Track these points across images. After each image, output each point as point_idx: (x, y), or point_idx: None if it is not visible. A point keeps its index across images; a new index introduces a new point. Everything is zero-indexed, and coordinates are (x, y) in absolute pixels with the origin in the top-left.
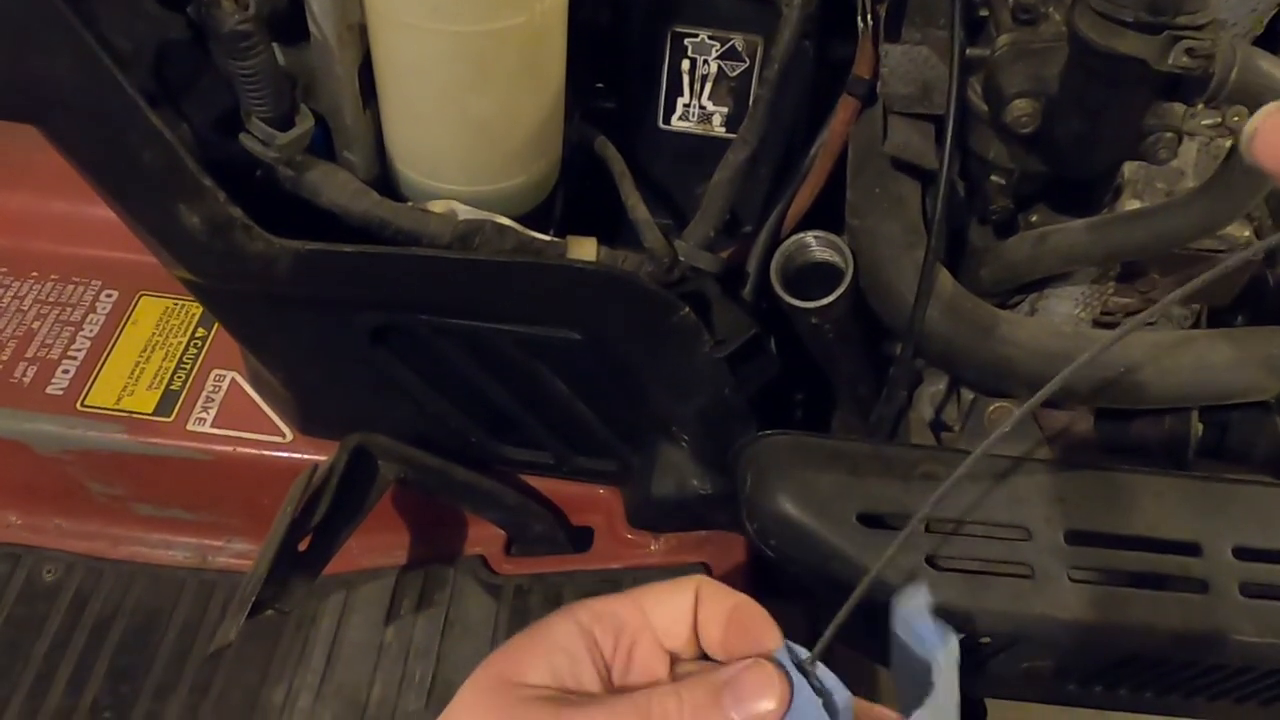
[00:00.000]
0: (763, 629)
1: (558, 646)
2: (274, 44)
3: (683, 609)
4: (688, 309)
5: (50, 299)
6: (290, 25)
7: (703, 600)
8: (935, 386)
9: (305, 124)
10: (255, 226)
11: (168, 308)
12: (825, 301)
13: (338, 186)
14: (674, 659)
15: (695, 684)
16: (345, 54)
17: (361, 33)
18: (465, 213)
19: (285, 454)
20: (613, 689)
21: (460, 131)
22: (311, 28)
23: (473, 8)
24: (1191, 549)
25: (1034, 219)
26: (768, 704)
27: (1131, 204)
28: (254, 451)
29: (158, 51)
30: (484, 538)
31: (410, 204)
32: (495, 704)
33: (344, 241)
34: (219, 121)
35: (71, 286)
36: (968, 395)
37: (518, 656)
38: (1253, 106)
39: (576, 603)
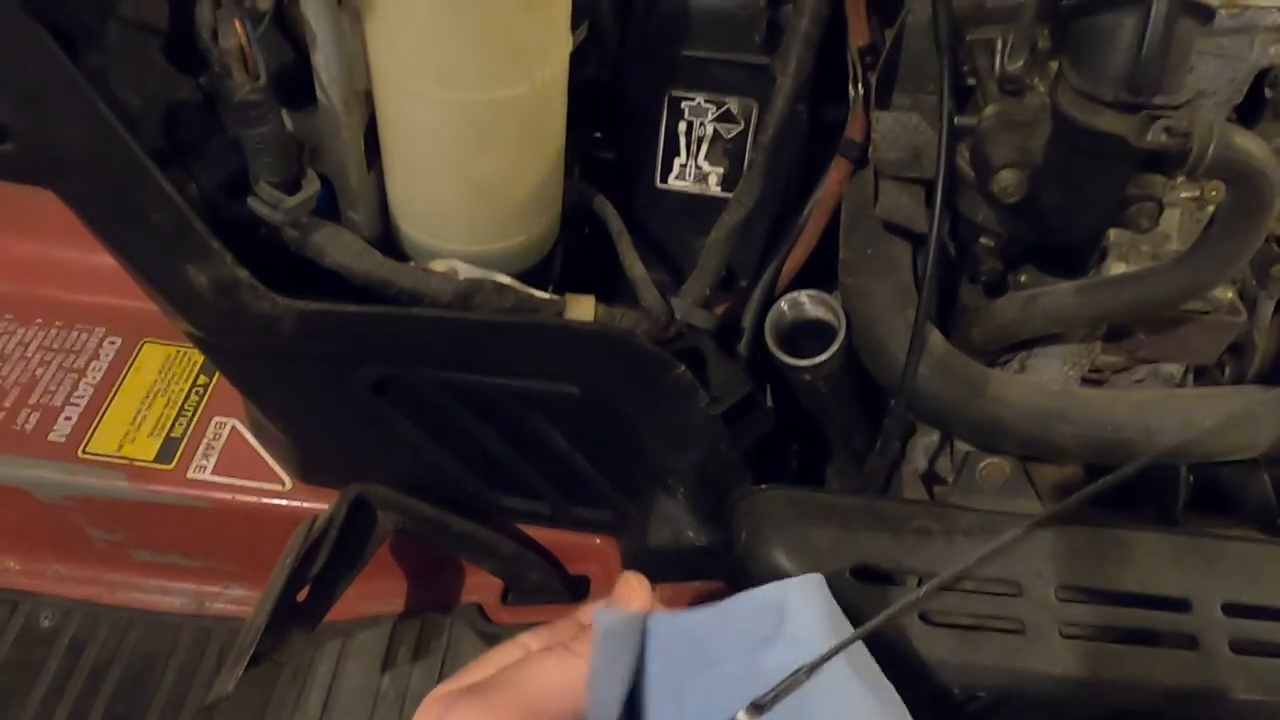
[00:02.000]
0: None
1: None
2: (282, 110)
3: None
4: (683, 367)
5: (54, 345)
6: (298, 90)
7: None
8: (928, 438)
9: (312, 187)
10: (261, 287)
11: (170, 355)
12: (819, 360)
13: (342, 247)
14: None
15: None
16: (351, 119)
17: (367, 98)
18: (466, 271)
19: (284, 502)
20: None
21: (463, 194)
22: (319, 94)
23: (477, 77)
24: (1182, 605)
25: (1023, 279)
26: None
27: (1117, 266)
28: (253, 499)
29: (167, 112)
30: (481, 586)
31: (412, 263)
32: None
33: (345, 296)
34: (227, 182)
35: (75, 333)
36: (961, 447)
37: None
38: (1229, 180)
39: (526, 636)
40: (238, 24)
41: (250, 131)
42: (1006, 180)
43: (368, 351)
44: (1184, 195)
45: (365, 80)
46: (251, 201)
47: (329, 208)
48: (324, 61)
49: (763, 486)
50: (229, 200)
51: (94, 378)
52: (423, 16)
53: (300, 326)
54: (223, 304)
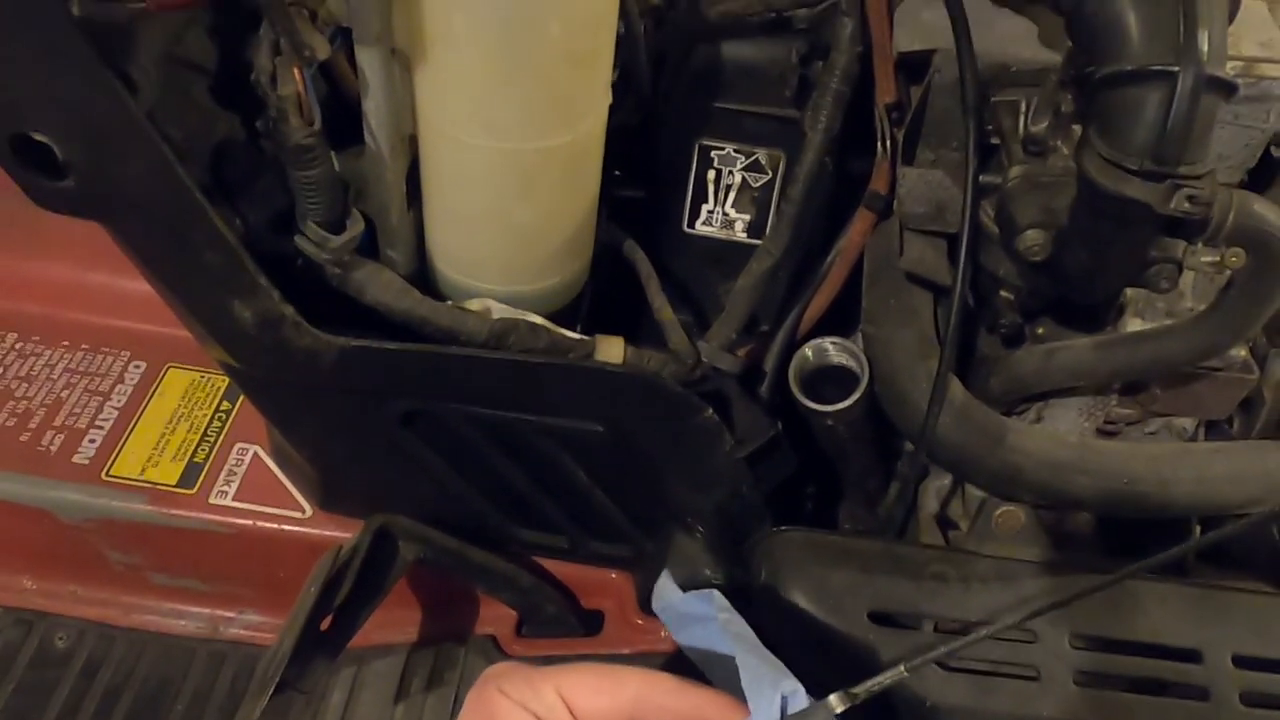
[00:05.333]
0: None
1: None
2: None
3: (616, 705)
4: (710, 410)
5: (80, 368)
6: (339, 132)
7: (649, 699)
8: (940, 481)
9: (356, 227)
10: (304, 323)
11: (194, 380)
12: (843, 405)
13: (382, 285)
14: None
15: None
16: (397, 163)
17: (411, 142)
18: (500, 311)
19: (303, 529)
20: None
21: (502, 237)
22: (367, 139)
23: (523, 128)
24: (1193, 656)
25: (1040, 331)
26: None
27: (1134, 322)
28: (273, 526)
29: (215, 151)
30: (495, 618)
31: (449, 302)
32: None
33: (377, 328)
34: (272, 220)
35: (101, 356)
36: (974, 493)
37: None
38: (1248, 247)
39: (503, 685)
40: (296, 71)
41: (303, 174)
42: (1032, 240)
43: (401, 386)
44: (1204, 260)
45: (412, 125)
46: (299, 240)
47: (368, 244)
48: (374, 108)
49: (782, 528)
50: (272, 236)
51: (119, 401)
52: (475, 71)
53: (340, 362)
54: (266, 339)
